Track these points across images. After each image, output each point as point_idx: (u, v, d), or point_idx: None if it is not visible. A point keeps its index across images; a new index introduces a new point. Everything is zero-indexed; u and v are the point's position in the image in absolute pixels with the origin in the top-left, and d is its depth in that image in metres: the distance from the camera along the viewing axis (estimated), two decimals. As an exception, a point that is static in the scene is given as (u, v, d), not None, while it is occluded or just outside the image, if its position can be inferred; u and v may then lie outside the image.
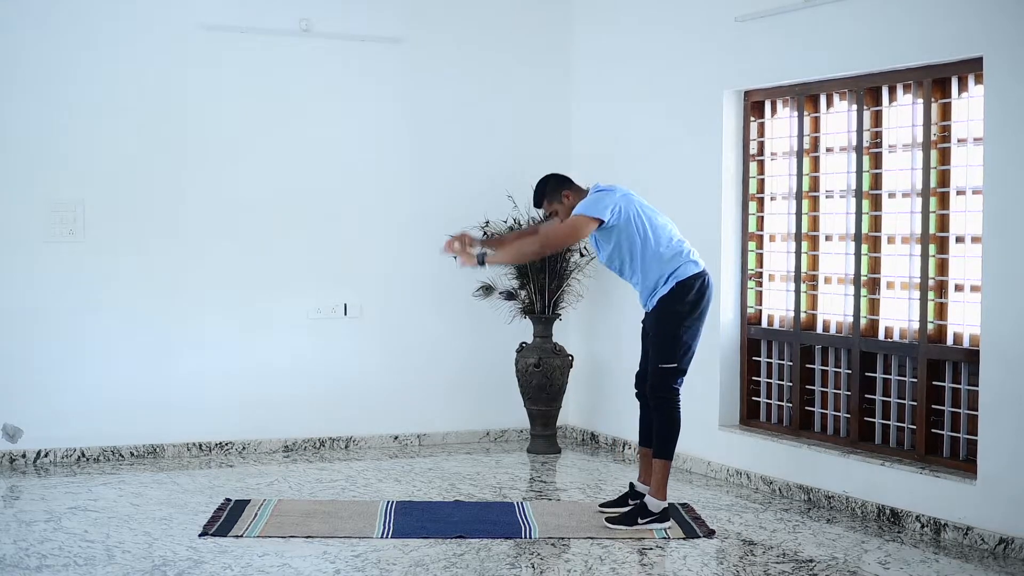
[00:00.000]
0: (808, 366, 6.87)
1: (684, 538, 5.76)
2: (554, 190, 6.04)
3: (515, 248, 5.97)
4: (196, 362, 7.63)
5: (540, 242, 5.94)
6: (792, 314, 6.91)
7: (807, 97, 6.81)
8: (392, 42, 8.01)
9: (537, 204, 6.12)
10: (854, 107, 6.51)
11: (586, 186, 6.12)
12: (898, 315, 6.32)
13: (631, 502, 6.03)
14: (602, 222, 5.79)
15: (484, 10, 8.26)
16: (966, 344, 5.97)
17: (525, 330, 8.03)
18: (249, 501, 6.35)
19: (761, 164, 7.16)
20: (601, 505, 6.20)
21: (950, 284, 6.06)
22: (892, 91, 6.36)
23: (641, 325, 6.11)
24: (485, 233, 7.45)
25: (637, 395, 6.18)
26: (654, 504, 5.88)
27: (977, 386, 5.81)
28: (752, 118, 7.15)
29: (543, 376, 7.77)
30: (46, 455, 7.36)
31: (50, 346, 7.36)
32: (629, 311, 7.91)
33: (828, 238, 6.76)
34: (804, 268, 6.86)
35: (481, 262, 5.92)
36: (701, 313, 5.92)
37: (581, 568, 5.30)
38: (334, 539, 5.69)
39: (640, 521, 5.85)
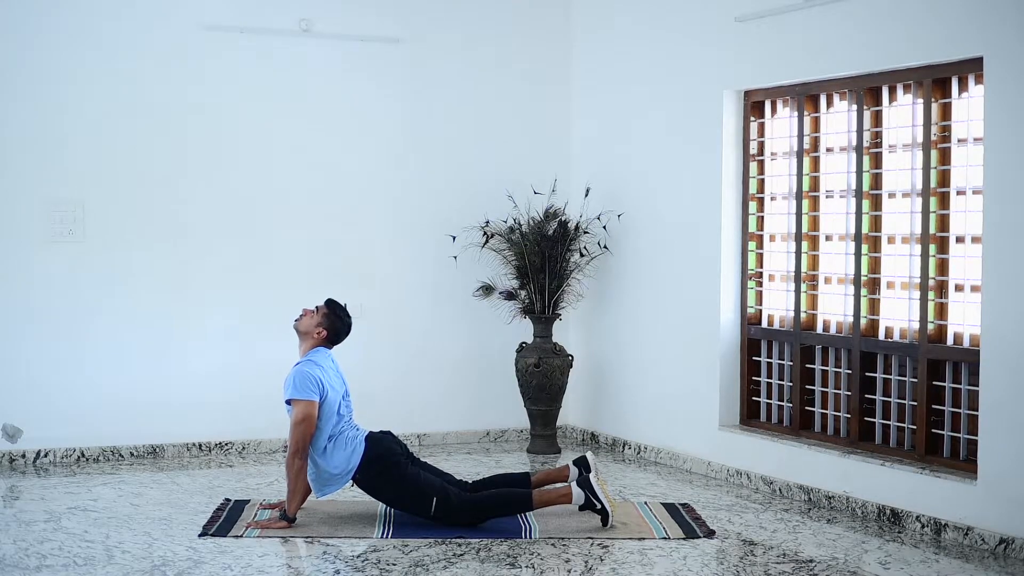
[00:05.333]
0: (808, 366, 6.87)
1: (684, 538, 5.76)
2: (332, 319, 6.11)
3: (291, 483, 5.87)
4: (196, 362, 7.63)
5: (295, 456, 5.84)
6: (792, 314, 6.91)
7: (807, 97, 6.81)
8: (392, 42, 8.01)
9: (326, 303, 6.17)
10: (854, 107, 6.50)
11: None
12: (898, 315, 6.32)
13: (591, 499, 5.94)
14: (317, 401, 5.89)
15: (484, 10, 8.26)
16: (966, 344, 5.97)
17: (525, 330, 8.03)
18: (249, 501, 6.35)
19: (761, 164, 7.16)
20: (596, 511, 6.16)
21: (950, 284, 6.06)
22: (892, 91, 6.35)
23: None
24: None
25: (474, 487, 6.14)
26: (577, 500, 5.89)
27: (977, 386, 5.81)
28: (752, 118, 7.14)
29: (543, 376, 7.77)
30: (46, 455, 7.36)
31: (50, 346, 7.36)
32: (629, 311, 7.92)
33: (828, 238, 6.76)
34: (804, 268, 6.86)
35: (287, 518, 5.86)
36: (391, 468, 5.93)
37: (581, 568, 5.30)
38: (334, 539, 5.69)
39: (596, 504, 5.84)
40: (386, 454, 5.97)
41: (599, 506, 5.86)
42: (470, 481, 6.20)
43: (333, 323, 6.12)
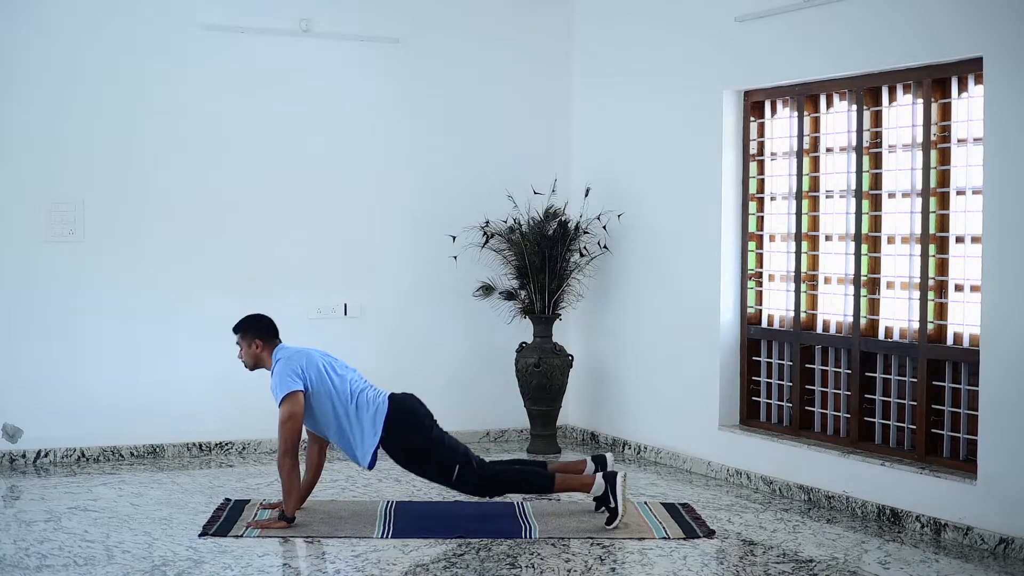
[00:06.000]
0: (808, 366, 6.87)
1: (684, 538, 5.76)
2: (251, 332, 6.07)
3: (285, 482, 5.85)
4: (197, 362, 7.63)
5: (285, 456, 5.81)
6: (792, 314, 6.91)
7: (807, 97, 6.81)
8: (392, 42, 8.01)
9: (235, 331, 6.13)
10: (854, 107, 6.50)
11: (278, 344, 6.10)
12: (898, 315, 6.32)
13: (609, 495, 5.93)
14: (304, 391, 5.86)
15: (484, 10, 8.26)
16: (966, 344, 5.97)
17: (525, 330, 8.03)
18: (249, 501, 6.35)
19: (761, 164, 7.16)
20: (595, 509, 6.17)
21: (950, 284, 6.06)
22: (892, 91, 6.35)
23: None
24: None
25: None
26: (596, 490, 5.90)
27: (977, 386, 5.81)
28: (752, 118, 7.14)
29: (543, 376, 7.77)
30: (46, 455, 7.36)
31: (50, 346, 7.36)
32: (629, 311, 7.92)
33: (828, 238, 6.76)
34: (804, 268, 6.86)
35: (286, 518, 5.84)
36: (416, 429, 5.94)
37: (581, 568, 5.30)
38: (334, 539, 5.69)
39: (611, 502, 5.85)
40: (411, 414, 5.96)
41: (613, 504, 5.85)
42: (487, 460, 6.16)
43: (255, 330, 6.06)
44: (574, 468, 6.15)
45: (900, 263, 6.31)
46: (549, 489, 5.96)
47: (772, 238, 7.12)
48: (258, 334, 6.06)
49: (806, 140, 6.83)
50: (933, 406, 6.11)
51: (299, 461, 5.91)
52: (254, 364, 6.08)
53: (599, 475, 5.94)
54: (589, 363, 8.24)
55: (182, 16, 7.57)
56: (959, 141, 6.02)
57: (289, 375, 5.87)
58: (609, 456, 6.14)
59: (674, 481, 7.06)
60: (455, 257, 8.04)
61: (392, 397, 6.00)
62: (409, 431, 5.94)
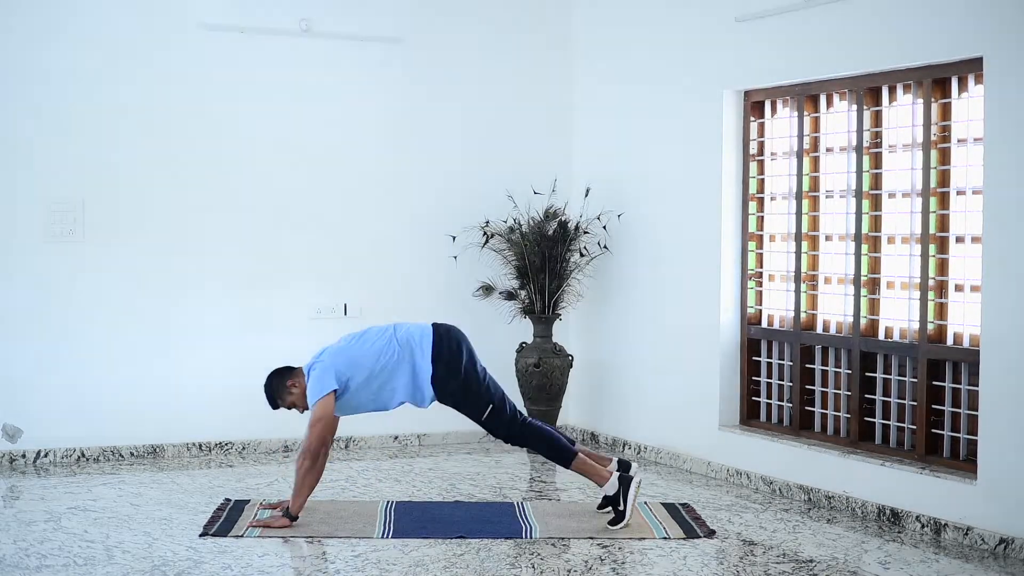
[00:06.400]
0: (808, 366, 6.87)
1: (684, 538, 5.76)
2: (280, 387, 6.01)
3: (299, 481, 5.82)
4: (196, 362, 7.63)
5: (306, 455, 5.79)
6: (792, 314, 6.91)
7: (807, 97, 6.81)
8: (392, 42, 8.01)
9: (274, 407, 6.08)
10: (854, 107, 6.51)
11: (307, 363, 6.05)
12: (898, 315, 6.32)
13: (620, 497, 5.95)
14: (335, 391, 5.86)
15: (484, 10, 8.26)
16: (966, 344, 5.97)
17: (525, 330, 8.03)
18: (249, 501, 6.35)
19: (761, 164, 7.16)
20: (599, 507, 6.18)
21: (950, 284, 6.06)
22: (892, 91, 6.36)
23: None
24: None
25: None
26: (608, 488, 5.90)
27: (977, 386, 5.81)
28: (752, 118, 7.14)
29: (543, 376, 7.77)
30: (46, 455, 7.36)
31: (50, 346, 7.36)
32: (629, 311, 7.92)
33: (828, 238, 6.76)
34: (804, 268, 6.86)
35: (290, 516, 5.82)
36: (461, 355, 5.97)
37: (581, 568, 5.30)
38: (334, 539, 5.69)
39: (621, 504, 5.86)
40: (457, 340, 6.00)
41: (621, 507, 5.85)
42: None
43: (279, 384, 6.00)
44: (598, 459, 6.14)
45: (900, 263, 6.31)
46: (567, 463, 5.96)
47: (772, 238, 7.12)
48: (284, 382, 6.01)
49: (806, 140, 6.83)
50: (933, 406, 6.11)
51: (315, 464, 5.85)
52: (305, 400, 6.01)
53: (616, 475, 5.93)
54: (589, 363, 8.24)
55: (182, 16, 7.56)
56: (959, 141, 6.02)
57: (321, 377, 5.88)
58: (635, 465, 6.11)
59: (674, 481, 7.06)
60: (455, 257, 8.04)
61: (436, 325, 6.05)
62: (452, 359, 5.96)
